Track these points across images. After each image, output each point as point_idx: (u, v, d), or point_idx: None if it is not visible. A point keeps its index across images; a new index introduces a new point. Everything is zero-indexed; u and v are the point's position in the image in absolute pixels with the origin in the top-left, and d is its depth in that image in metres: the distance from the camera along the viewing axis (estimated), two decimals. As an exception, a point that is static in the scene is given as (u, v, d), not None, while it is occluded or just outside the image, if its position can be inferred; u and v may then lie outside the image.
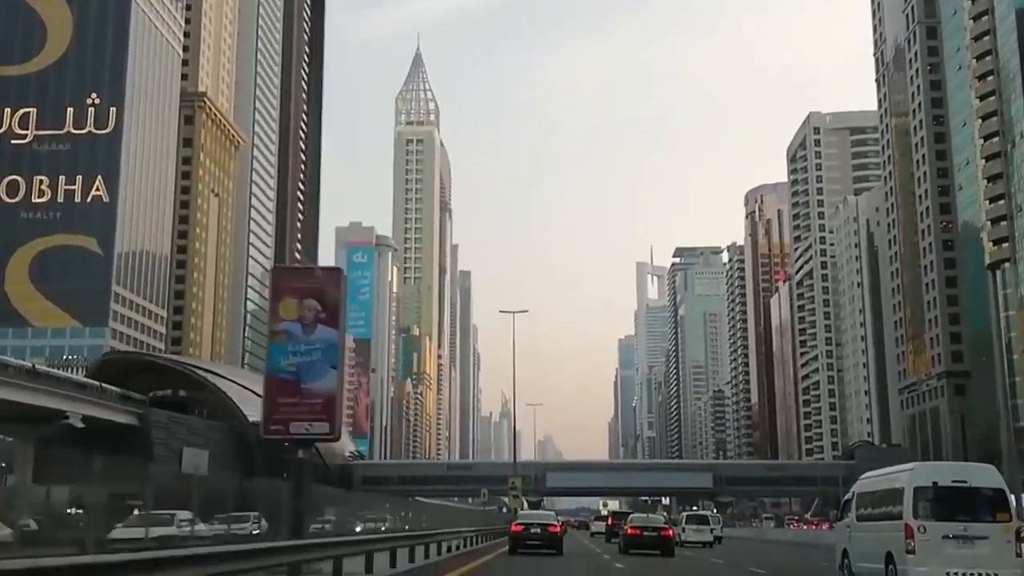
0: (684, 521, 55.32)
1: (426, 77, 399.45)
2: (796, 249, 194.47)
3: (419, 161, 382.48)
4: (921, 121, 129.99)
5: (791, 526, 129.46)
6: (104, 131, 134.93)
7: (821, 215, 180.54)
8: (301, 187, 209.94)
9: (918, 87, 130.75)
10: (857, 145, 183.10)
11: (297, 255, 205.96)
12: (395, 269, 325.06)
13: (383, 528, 30.87)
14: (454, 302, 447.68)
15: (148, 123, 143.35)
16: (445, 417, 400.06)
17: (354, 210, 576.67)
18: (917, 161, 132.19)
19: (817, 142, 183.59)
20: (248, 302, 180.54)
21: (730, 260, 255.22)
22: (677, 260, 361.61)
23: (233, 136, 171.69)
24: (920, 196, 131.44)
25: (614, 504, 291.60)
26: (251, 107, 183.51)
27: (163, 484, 19.32)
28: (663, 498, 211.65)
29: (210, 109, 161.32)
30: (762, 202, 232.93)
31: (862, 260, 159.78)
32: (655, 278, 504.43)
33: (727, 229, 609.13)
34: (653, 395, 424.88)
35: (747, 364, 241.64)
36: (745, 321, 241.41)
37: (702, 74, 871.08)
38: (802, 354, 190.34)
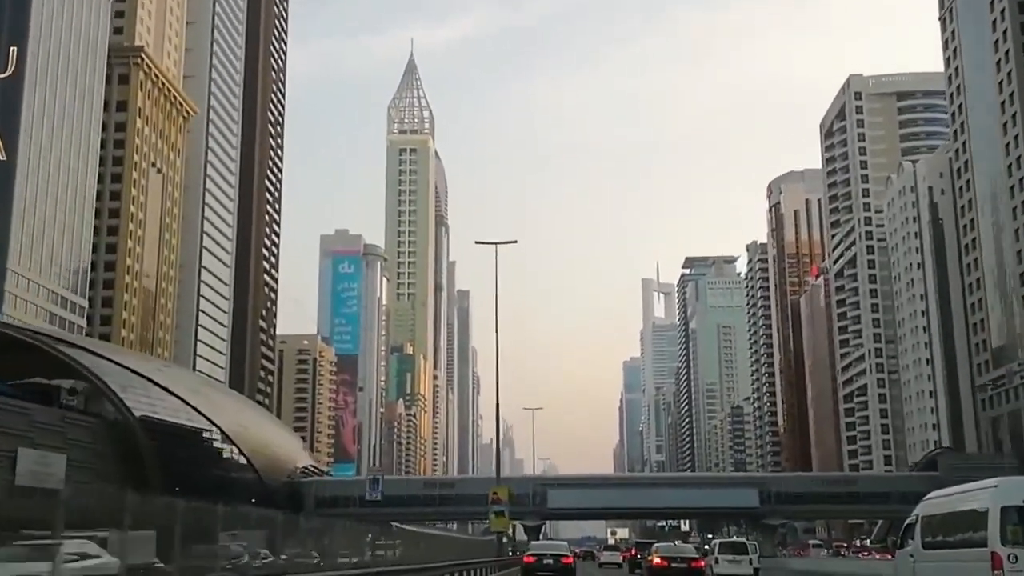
0: (717, 550, 44.33)
1: (420, 85, 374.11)
2: (834, 236, 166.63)
3: (413, 171, 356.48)
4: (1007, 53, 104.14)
5: (862, 555, 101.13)
6: (1, 74, 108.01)
7: (865, 192, 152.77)
8: (272, 178, 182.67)
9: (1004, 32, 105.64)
10: (906, 112, 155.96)
11: (265, 251, 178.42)
12: (385, 280, 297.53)
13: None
14: (451, 321, 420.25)
15: (63, 73, 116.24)
16: (442, 441, 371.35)
17: (345, 223, 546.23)
18: (1003, 103, 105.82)
19: (859, 109, 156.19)
20: (202, 299, 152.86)
21: (750, 261, 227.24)
22: (687, 271, 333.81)
23: (181, 105, 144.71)
24: (1008, 145, 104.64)
25: (623, 532, 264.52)
26: (207, 77, 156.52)
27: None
28: (682, 523, 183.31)
29: (149, 68, 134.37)
30: (786, 193, 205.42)
31: (923, 237, 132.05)
32: (662, 295, 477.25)
33: (737, 240, 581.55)
34: (662, 417, 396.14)
35: (771, 374, 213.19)
36: (769, 326, 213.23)
37: (698, 93, 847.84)
38: (843, 355, 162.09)
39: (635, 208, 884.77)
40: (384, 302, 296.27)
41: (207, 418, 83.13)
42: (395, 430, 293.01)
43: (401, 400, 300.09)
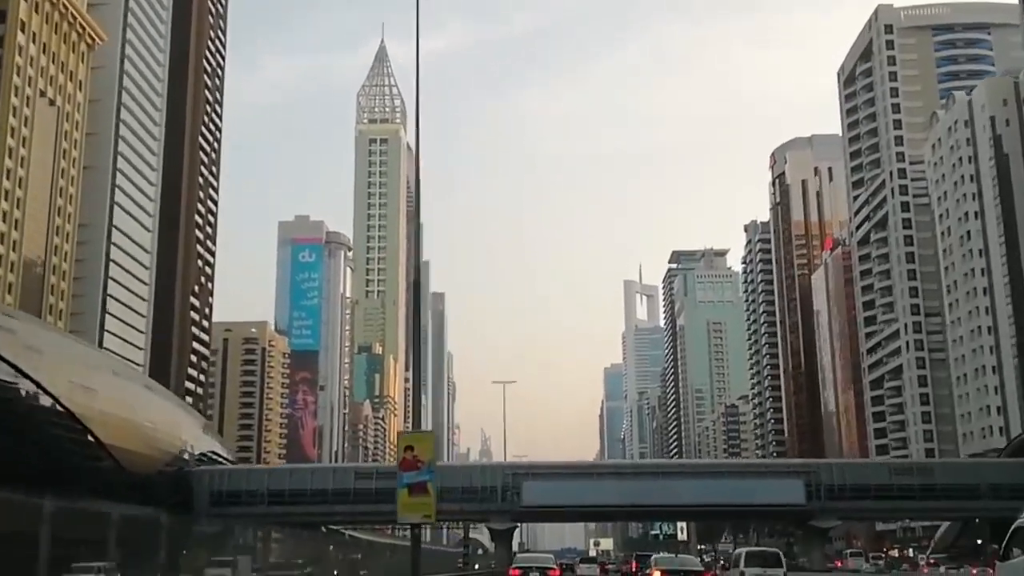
0: (743, 561, 34.22)
1: (391, 72, 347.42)
2: (856, 199, 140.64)
3: (383, 163, 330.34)
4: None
5: (924, 568, 74.71)
6: None
7: (899, 141, 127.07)
8: (208, 135, 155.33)
9: None
10: (945, 47, 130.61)
11: (199, 218, 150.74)
12: (350, 272, 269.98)
13: None
14: (425, 323, 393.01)
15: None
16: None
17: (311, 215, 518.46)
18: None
19: (889, 44, 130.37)
20: (112, 264, 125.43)
21: (749, 243, 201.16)
22: (673, 266, 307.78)
23: (84, 29, 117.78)
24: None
25: (606, 543, 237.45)
26: (121, 3, 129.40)
27: None
28: (680, 530, 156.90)
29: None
30: (791, 162, 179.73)
31: (980, 181, 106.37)
32: (644, 298, 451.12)
33: (722, 242, 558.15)
34: (646, 422, 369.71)
35: (774, 366, 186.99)
36: (772, 313, 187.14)
37: (682, 102, 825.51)
38: (869, 335, 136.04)
39: (618, 210, 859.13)
40: (349, 294, 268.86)
41: (33, 381, 56.31)
42: (360, 433, 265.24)
43: (368, 402, 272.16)
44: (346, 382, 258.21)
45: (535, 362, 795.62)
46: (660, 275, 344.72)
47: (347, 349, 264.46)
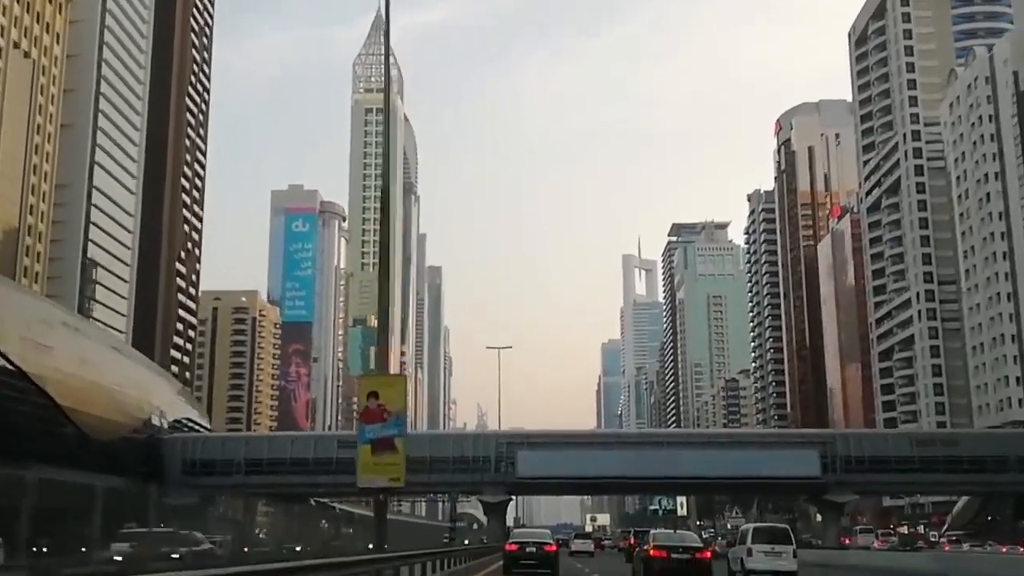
0: (750, 537, 30.99)
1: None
2: (866, 163, 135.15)
3: (380, 133, 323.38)
4: None
5: (946, 545, 69.85)
6: None
7: (913, 102, 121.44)
8: (195, 96, 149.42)
9: None
10: (962, 4, 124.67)
11: (185, 181, 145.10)
12: (344, 242, 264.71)
13: None
14: (421, 297, 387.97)
15: None
16: (410, 423, 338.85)
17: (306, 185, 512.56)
18: None
19: (904, 1, 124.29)
20: (93, 226, 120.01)
21: (752, 212, 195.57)
22: (673, 239, 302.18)
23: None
24: None
25: (603, 518, 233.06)
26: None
27: None
28: (679, 506, 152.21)
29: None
30: (798, 128, 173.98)
31: (1002, 140, 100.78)
32: (643, 272, 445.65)
33: (723, 210, 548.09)
34: (644, 397, 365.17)
35: (777, 338, 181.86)
36: (775, 284, 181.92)
37: (684, 77, 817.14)
38: (878, 305, 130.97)
39: (616, 184, 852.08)
40: (343, 265, 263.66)
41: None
42: (355, 406, 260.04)
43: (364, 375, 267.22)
44: (340, 354, 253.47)
45: (533, 337, 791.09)
46: (659, 250, 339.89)
47: (341, 321, 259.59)
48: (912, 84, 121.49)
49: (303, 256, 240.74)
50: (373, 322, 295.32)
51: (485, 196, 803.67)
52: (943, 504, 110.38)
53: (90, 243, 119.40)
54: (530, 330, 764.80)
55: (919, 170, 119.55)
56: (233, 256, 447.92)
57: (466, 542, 71.67)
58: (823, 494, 67.95)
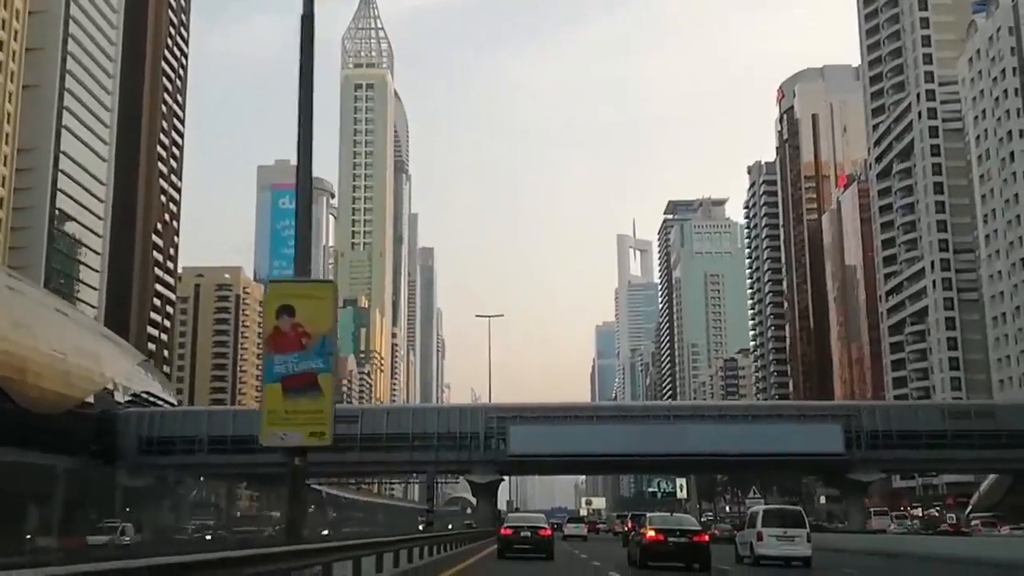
0: (760, 520, 29.12)
1: (378, 15, 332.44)
2: (876, 127, 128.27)
3: (369, 109, 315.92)
4: None
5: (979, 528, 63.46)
6: None
7: (928, 60, 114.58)
8: (172, 60, 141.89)
9: None
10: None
11: (161, 150, 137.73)
12: (332, 219, 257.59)
13: None
14: (413, 278, 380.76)
15: None
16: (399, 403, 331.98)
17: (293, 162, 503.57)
18: None
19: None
20: (60, 194, 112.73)
21: (752, 185, 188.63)
22: (670, 216, 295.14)
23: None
24: None
25: (599, 502, 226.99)
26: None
27: None
28: (678, 488, 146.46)
29: None
30: (801, 95, 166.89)
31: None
32: (638, 252, 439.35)
33: (720, 189, 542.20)
34: (639, 379, 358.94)
35: (779, 315, 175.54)
36: (777, 259, 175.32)
37: (679, 63, 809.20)
38: (888, 276, 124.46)
39: (611, 165, 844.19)
40: (332, 243, 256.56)
41: None
42: (345, 389, 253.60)
43: (352, 356, 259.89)
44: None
45: (526, 320, 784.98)
46: (654, 230, 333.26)
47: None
48: (926, 40, 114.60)
49: (291, 234, 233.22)
50: (365, 303, 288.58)
51: (478, 177, 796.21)
52: (958, 485, 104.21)
53: (58, 212, 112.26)
54: (523, 313, 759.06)
55: (934, 131, 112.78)
56: (223, 235, 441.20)
57: (449, 526, 65.12)
58: (846, 472, 61.44)
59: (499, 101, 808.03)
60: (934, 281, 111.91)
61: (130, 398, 63.75)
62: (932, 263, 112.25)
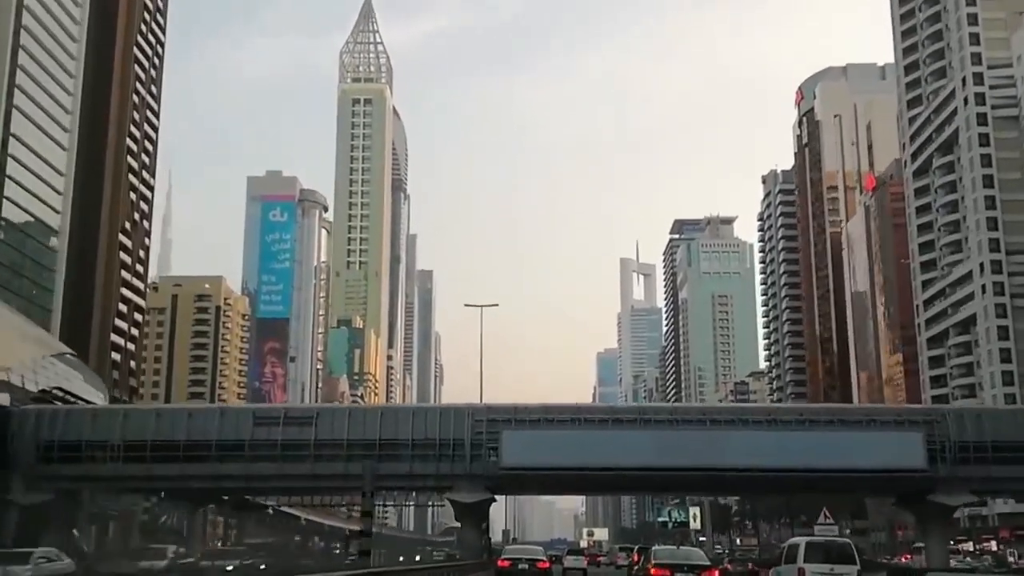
0: (802, 555, 25.11)
1: (377, 29, 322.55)
2: (913, 120, 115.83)
3: (367, 124, 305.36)
4: None
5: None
6: None
7: (974, 40, 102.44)
8: (146, 47, 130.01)
9: None
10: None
11: (132, 143, 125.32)
12: (325, 234, 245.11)
13: None
14: (411, 301, 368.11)
15: None
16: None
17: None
18: None
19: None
20: (11, 183, 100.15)
21: (767, 195, 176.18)
22: (676, 236, 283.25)
23: None
24: None
25: (600, 533, 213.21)
26: None
27: None
28: (692, 518, 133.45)
29: None
30: (823, 96, 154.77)
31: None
32: (641, 277, 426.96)
33: (726, 208, 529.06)
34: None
35: (796, 332, 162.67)
36: (795, 273, 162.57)
37: (678, 80, 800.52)
38: (926, 283, 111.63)
39: (613, 188, 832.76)
40: (324, 258, 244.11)
41: None
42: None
43: (345, 377, 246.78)
44: (319, 354, 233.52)
45: (526, 348, 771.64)
46: (658, 254, 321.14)
47: (321, 318, 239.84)
48: (973, 19, 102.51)
49: (280, 248, 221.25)
50: (359, 323, 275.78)
51: (478, 200, 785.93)
52: (1012, 516, 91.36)
53: (6, 201, 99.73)
54: (523, 339, 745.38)
55: (982, 119, 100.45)
56: (215, 250, 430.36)
57: (417, 558, 51.62)
58: (928, 494, 48.34)
59: (498, 122, 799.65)
60: (983, 286, 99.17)
61: (38, 394, 51.06)
62: (981, 265, 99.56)
